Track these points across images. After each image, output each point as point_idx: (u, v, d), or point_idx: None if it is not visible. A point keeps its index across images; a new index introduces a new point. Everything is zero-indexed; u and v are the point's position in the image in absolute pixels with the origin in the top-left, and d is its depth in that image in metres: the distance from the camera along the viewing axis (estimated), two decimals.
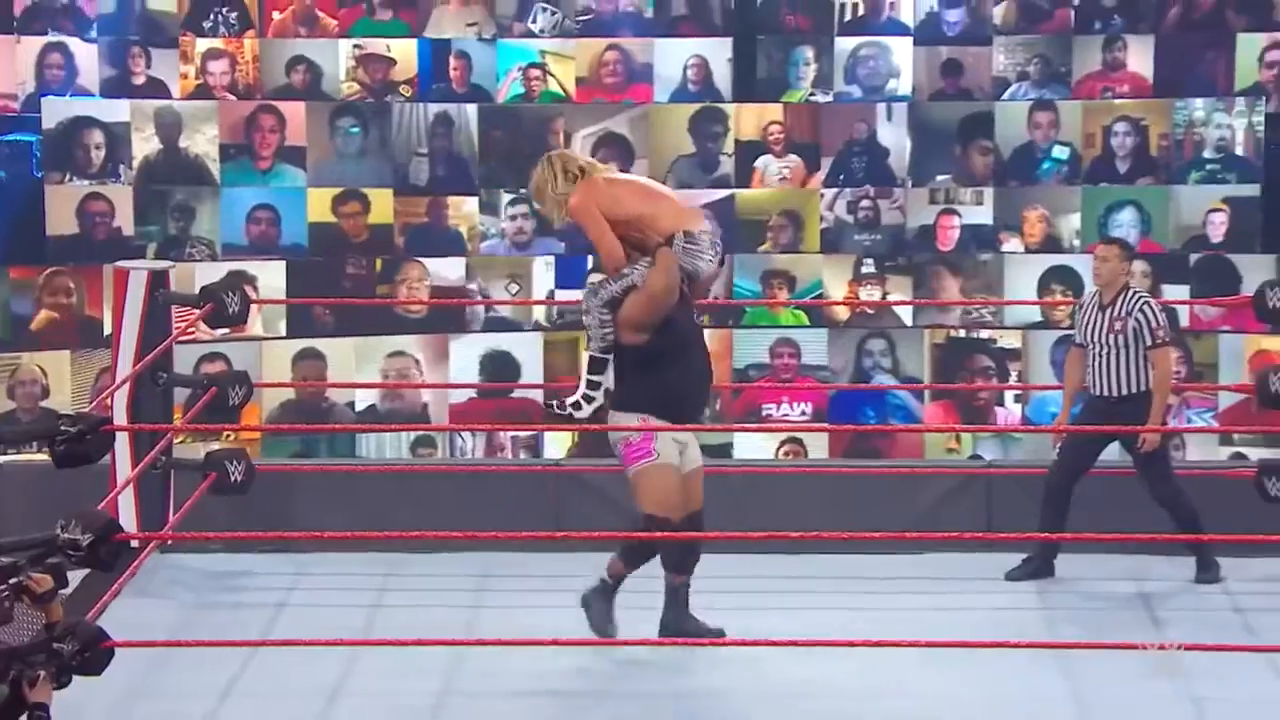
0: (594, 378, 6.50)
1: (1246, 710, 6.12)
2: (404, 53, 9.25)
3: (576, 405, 6.53)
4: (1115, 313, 7.43)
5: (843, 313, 9.35)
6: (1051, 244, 9.30)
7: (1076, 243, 9.25)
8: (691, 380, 6.53)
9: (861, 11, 9.30)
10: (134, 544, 6.90)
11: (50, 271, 8.97)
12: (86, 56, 9.03)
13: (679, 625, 6.55)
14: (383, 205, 9.29)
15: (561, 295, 9.28)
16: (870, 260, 9.31)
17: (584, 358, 6.59)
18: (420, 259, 9.30)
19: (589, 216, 6.48)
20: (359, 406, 9.32)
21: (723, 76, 9.28)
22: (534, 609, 7.05)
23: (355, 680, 6.36)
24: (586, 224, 6.50)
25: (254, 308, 8.51)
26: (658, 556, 6.56)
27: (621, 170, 8.86)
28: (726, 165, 9.28)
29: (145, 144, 9.10)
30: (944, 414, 9.34)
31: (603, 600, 6.53)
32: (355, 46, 9.25)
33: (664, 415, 6.45)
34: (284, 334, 9.24)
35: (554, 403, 6.67)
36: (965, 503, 7.91)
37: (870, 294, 9.30)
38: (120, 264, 7.96)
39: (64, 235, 9.03)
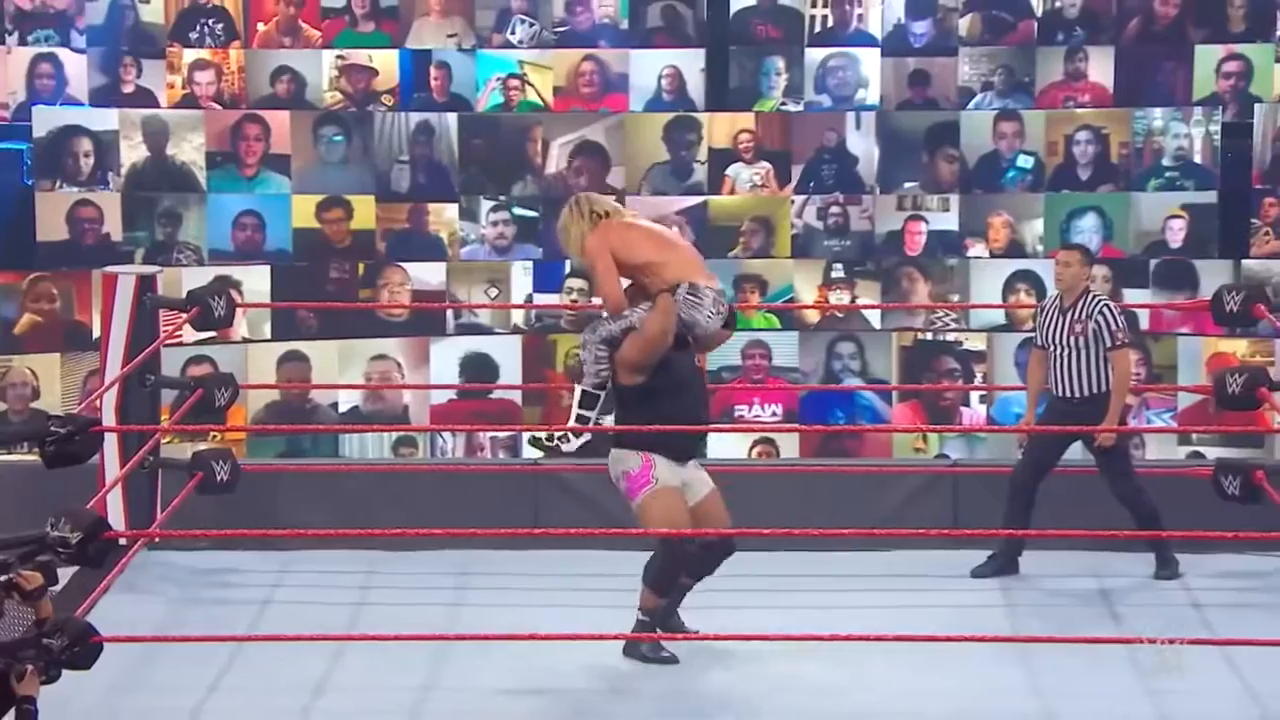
0: (584, 412, 6.53)
1: (1203, 702, 6.22)
2: (385, 63, 9.33)
3: (565, 438, 6.60)
4: (1075, 316, 7.50)
5: (813, 316, 9.41)
6: (1015, 249, 9.36)
7: (1040, 248, 9.33)
8: (689, 419, 6.55)
9: (830, 23, 9.35)
10: (122, 542, 6.91)
11: (33, 277, 9.02)
12: (76, 66, 9.14)
13: (663, 618, 6.68)
14: (365, 211, 9.36)
15: (540, 299, 9.38)
16: (840, 265, 9.35)
17: (577, 392, 6.61)
18: (402, 264, 9.36)
19: (599, 258, 6.52)
20: (342, 408, 9.41)
21: (696, 86, 9.36)
22: (513, 606, 7.11)
23: (339, 675, 6.42)
24: (595, 264, 6.54)
25: (239, 311, 8.61)
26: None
27: (613, 193, 8.97)
28: (699, 173, 9.33)
29: (133, 152, 9.17)
30: (911, 415, 9.42)
31: (651, 643, 6.56)
32: (338, 57, 9.31)
33: (663, 452, 6.49)
34: (269, 337, 9.27)
35: (542, 436, 6.74)
36: (932, 501, 7.97)
37: (839, 298, 9.36)
38: (109, 269, 8.05)
39: (54, 241, 9.11)
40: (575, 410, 6.57)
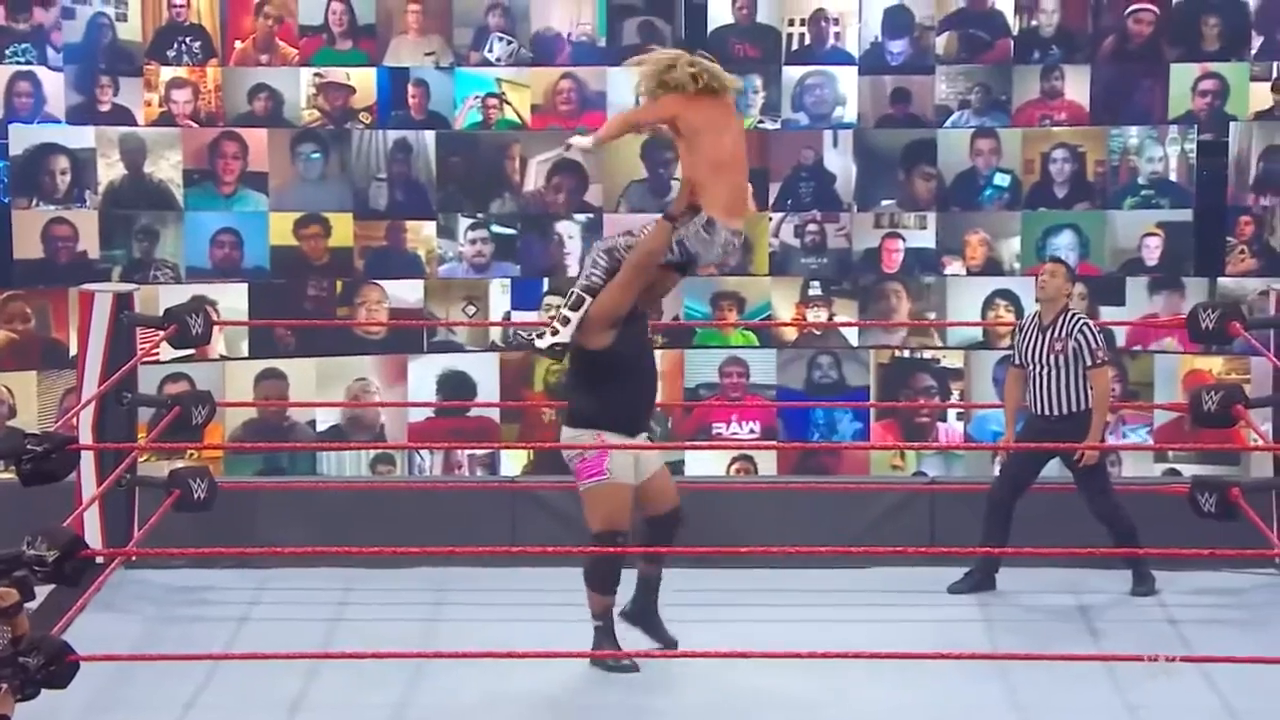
0: (568, 313, 6.55)
1: (1180, 718, 6.25)
2: (363, 81, 9.34)
3: (540, 334, 6.64)
4: (1055, 334, 7.54)
5: (790, 333, 9.47)
6: (992, 267, 9.40)
7: (1017, 265, 9.36)
8: (641, 395, 6.65)
9: (808, 41, 9.39)
10: (99, 560, 6.90)
11: (6, 296, 9.03)
12: (53, 84, 9.13)
13: (645, 620, 6.73)
14: (343, 229, 9.38)
15: (518, 317, 9.38)
16: (817, 283, 9.42)
17: (570, 295, 6.63)
18: (379, 281, 9.39)
19: (653, 108, 6.50)
20: (321, 426, 9.40)
21: None
22: (490, 622, 7.14)
23: (316, 693, 6.42)
24: (645, 104, 6.54)
25: (217, 329, 8.61)
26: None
27: (591, 211, 9.05)
28: (677, 190, 9.39)
29: (110, 169, 9.18)
30: (889, 432, 9.48)
31: (610, 643, 6.60)
32: (316, 75, 9.34)
33: (616, 428, 6.55)
34: (246, 355, 9.29)
35: (524, 333, 6.77)
36: (910, 518, 8.00)
37: (817, 315, 9.41)
38: (85, 286, 8.06)
39: (30, 259, 9.11)
40: (562, 310, 6.59)
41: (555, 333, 6.57)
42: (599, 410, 6.56)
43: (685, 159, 6.56)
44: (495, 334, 9.42)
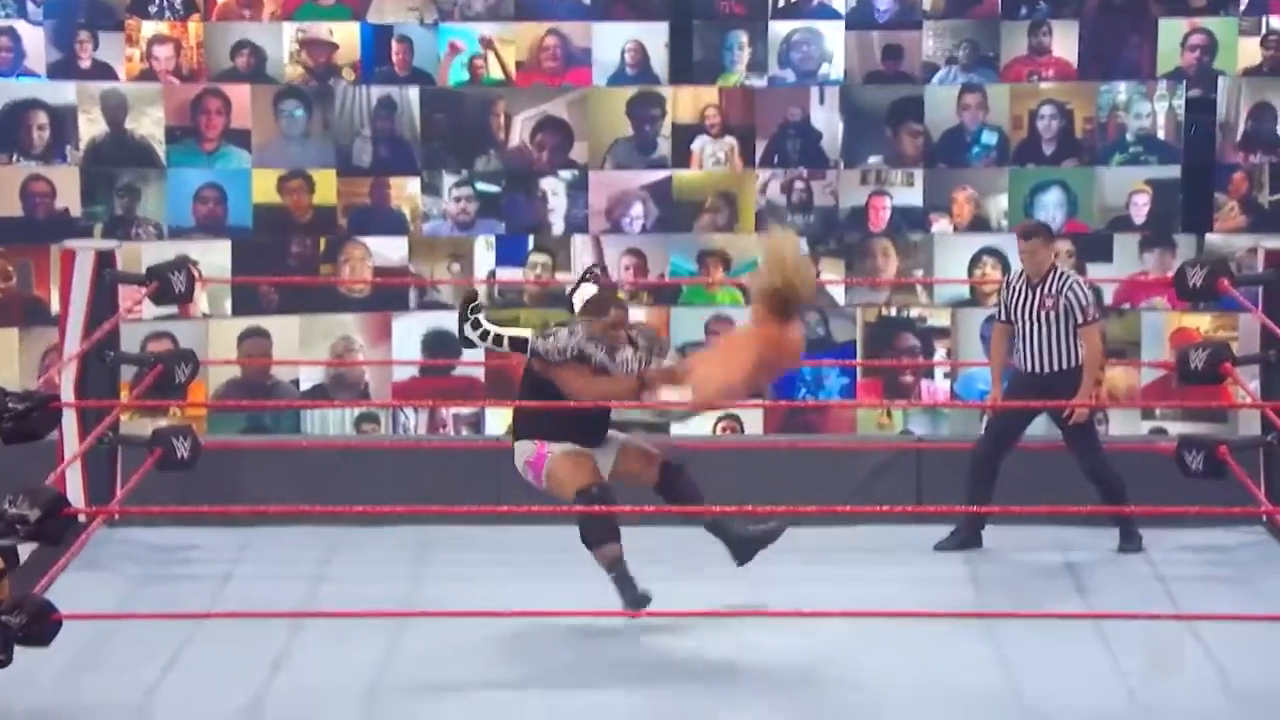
0: (505, 337, 6.60)
1: (1167, 675, 6.23)
2: (347, 37, 9.29)
3: (476, 325, 6.64)
4: (1045, 290, 7.53)
5: None
6: (979, 224, 9.41)
7: (1004, 223, 9.36)
8: (587, 414, 6.63)
9: None
10: (81, 518, 6.89)
11: None
12: (33, 39, 9.08)
13: (726, 528, 6.77)
14: (326, 186, 9.36)
15: (502, 274, 9.36)
16: (804, 240, 9.42)
17: (524, 330, 6.68)
18: (363, 239, 9.38)
19: (760, 333, 6.47)
20: (305, 385, 9.39)
21: (659, 60, 9.35)
22: (473, 581, 7.14)
23: (299, 651, 6.42)
24: (749, 336, 6.57)
25: (199, 286, 8.58)
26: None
27: (575, 168, 9.05)
28: (664, 147, 9.36)
29: (92, 126, 9.12)
30: (874, 391, 9.47)
31: (629, 588, 6.59)
32: (299, 31, 9.29)
33: (561, 441, 6.60)
34: (229, 313, 9.29)
35: (472, 304, 6.74)
36: (896, 477, 8.01)
37: None
38: (67, 244, 8.03)
39: (9, 217, 9.08)
40: (504, 332, 6.63)
41: (484, 337, 6.62)
42: (542, 424, 6.61)
43: (724, 360, 6.51)
44: (481, 292, 9.40)
